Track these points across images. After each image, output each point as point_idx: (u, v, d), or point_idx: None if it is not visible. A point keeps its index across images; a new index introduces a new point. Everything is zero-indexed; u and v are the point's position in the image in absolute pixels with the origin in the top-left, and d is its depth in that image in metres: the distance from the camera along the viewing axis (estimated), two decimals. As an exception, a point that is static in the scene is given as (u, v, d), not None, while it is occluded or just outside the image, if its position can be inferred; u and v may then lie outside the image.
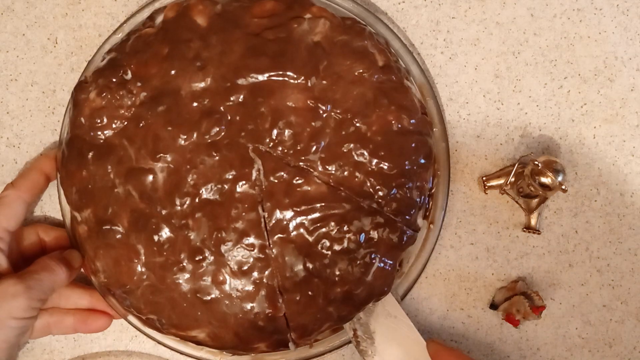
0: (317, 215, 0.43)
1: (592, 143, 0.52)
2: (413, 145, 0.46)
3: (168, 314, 0.45)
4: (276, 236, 0.43)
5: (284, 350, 0.46)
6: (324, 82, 0.45)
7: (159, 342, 0.49)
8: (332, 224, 0.43)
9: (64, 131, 0.49)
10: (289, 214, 0.43)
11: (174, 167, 0.45)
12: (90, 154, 0.46)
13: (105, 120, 0.45)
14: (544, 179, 0.46)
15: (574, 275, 0.51)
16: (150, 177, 0.45)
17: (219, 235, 0.44)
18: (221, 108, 0.45)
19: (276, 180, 0.43)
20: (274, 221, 0.43)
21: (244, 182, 0.44)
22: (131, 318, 0.48)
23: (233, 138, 0.44)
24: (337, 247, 0.43)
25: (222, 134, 0.44)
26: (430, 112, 0.49)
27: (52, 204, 0.53)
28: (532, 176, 0.47)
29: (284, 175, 0.43)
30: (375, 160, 0.45)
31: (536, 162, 0.46)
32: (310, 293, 0.44)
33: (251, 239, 0.44)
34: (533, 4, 0.52)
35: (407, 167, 0.45)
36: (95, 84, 0.46)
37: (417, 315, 0.52)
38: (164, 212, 0.44)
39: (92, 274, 0.48)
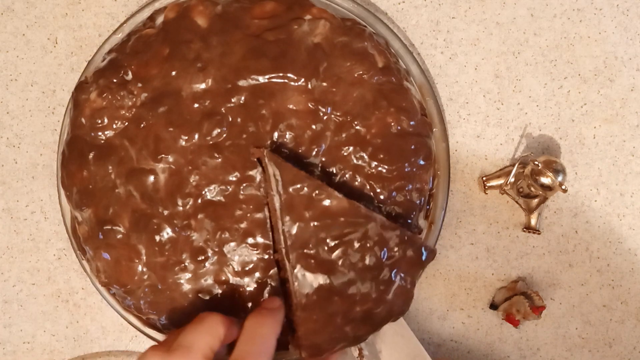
0: (338, 230, 0.41)
1: (592, 143, 0.52)
2: (412, 147, 0.46)
3: (169, 313, 0.45)
4: (296, 251, 0.41)
5: (284, 351, 0.46)
6: (324, 84, 0.45)
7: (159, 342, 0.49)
8: (354, 240, 0.41)
9: (64, 131, 0.49)
10: (309, 228, 0.41)
11: (176, 168, 0.45)
12: (91, 154, 0.46)
13: (106, 120, 0.45)
14: (544, 179, 0.46)
15: (574, 275, 0.52)
16: (152, 178, 0.45)
17: (223, 235, 0.44)
18: (222, 109, 0.45)
19: (296, 193, 0.41)
20: (294, 235, 0.41)
21: (247, 183, 0.44)
22: (131, 318, 0.48)
23: (234, 140, 0.44)
24: (359, 264, 0.41)
25: (224, 135, 0.44)
26: (430, 113, 0.49)
27: (52, 204, 0.53)
28: (532, 176, 0.47)
29: (305, 188, 0.41)
30: (374, 163, 0.45)
31: (536, 162, 0.46)
32: (329, 311, 0.41)
33: (255, 239, 0.44)
34: (533, 4, 0.52)
35: (406, 170, 0.45)
36: (96, 84, 0.46)
37: (417, 316, 0.52)
38: (165, 212, 0.44)
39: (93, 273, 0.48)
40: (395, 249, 0.41)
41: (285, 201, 0.41)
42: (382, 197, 0.45)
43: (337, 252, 0.41)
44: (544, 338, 0.52)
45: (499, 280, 0.52)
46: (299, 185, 0.40)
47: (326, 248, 0.40)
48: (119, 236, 0.45)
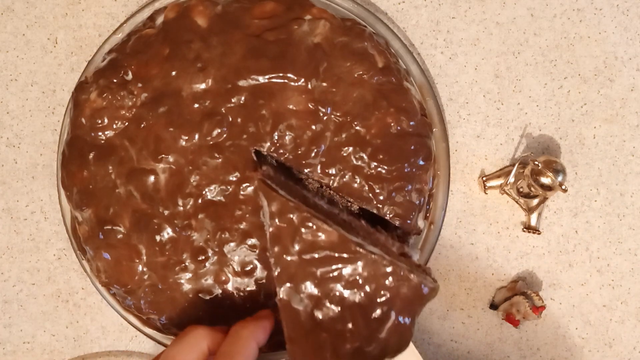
0: (327, 265, 0.39)
1: (592, 143, 0.52)
2: (412, 147, 0.46)
3: (169, 313, 0.45)
4: (284, 285, 0.39)
5: (284, 351, 0.46)
6: (324, 84, 0.45)
7: (159, 342, 0.49)
8: (343, 275, 0.39)
9: (64, 131, 0.49)
10: (296, 261, 0.39)
11: (176, 168, 0.45)
12: (91, 154, 0.46)
13: (106, 120, 0.46)
14: (544, 179, 0.46)
15: (574, 275, 0.52)
16: (152, 178, 0.45)
17: (223, 235, 0.44)
18: (222, 110, 0.45)
19: (283, 224, 0.39)
20: (279, 268, 0.39)
21: (248, 184, 0.44)
22: (131, 318, 0.49)
23: (235, 140, 0.44)
24: (348, 301, 0.39)
25: (224, 135, 0.44)
26: (430, 113, 0.49)
27: (52, 204, 0.53)
28: (532, 176, 0.47)
29: (294, 220, 0.39)
30: (374, 164, 0.45)
31: (536, 162, 0.46)
32: (317, 346, 0.40)
33: (254, 240, 0.44)
34: (533, 4, 0.52)
35: (406, 170, 0.45)
36: (96, 84, 0.46)
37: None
38: (166, 212, 0.44)
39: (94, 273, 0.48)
40: (389, 286, 0.39)
41: (273, 233, 0.39)
42: (381, 197, 0.45)
43: (324, 287, 0.39)
44: (544, 338, 0.52)
45: (499, 280, 0.52)
46: (287, 217, 0.39)
47: (314, 283, 0.39)
48: (120, 236, 0.45)
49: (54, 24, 0.53)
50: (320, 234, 0.38)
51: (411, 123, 0.46)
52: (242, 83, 0.45)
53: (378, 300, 0.39)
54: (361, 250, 0.38)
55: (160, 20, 0.47)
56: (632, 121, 0.52)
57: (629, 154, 0.52)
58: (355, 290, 0.39)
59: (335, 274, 0.39)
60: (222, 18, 0.46)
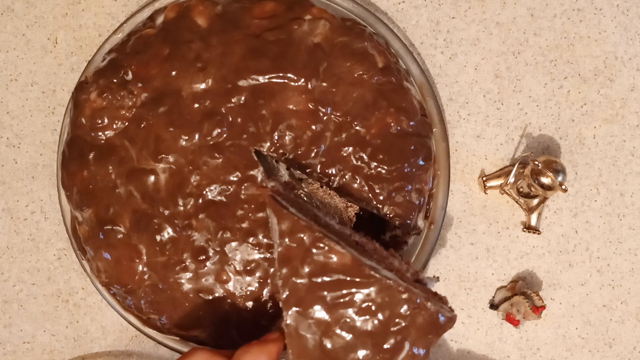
0: (338, 289, 0.36)
1: (592, 143, 0.52)
2: (412, 147, 0.46)
3: (169, 313, 0.45)
4: (292, 309, 0.37)
5: (284, 351, 0.46)
6: (324, 84, 0.45)
7: (159, 342, 0.49)
8: (355, 301, 0.36)
9: (64, 131, 0.49)
10: (306, 284, 0.36)
11: (176, 168, 0.45)
12: (91, 154, 0.46)
13: (106, 120, 0.45)
14: (544, 179, 0.47)
15: (574, 275, 0.52)
16: (152, 178, 0.45)
17: (224, 235, 0.44)
18: (222, 110, 0.45)
19: (294, 244, 0.37)
20: (288, 291, 0.37)
21: (249, 183, 0.44)
22: (131, 318, 0.49)
23: (235, 140, 0.44)
24: (359, 329, 0.36)
25: (224, 135, 0.44)
26: (430, 112, 0.49)
27: (52, 204, 0.53)
28: (532, 176, 0.47)
29: (304, 240, 0.36)
30: (373, 164, 0.45)
31: (536, 162, 0.46)
32: None
33: (257, 239, 0.44)
34: (533, 4, 0.52)
35: (406, 170, 0.45)
36: (96, 84, 0.46)
37: (417, 315, 0.52)
38: (166, 212, 0.44)
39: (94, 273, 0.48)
40: (403, 314, 0.36)
41: (282, 253, 0.37)
42: (381, 197, 0.45)
43: (335, 313, 0.36)
44: (544, 338, 0.52)
45: (499, 280, 0.52)
46: (297, 237, 0.37)
47: (324, 308, 0.36)
48: (120, 236, 0.45)
49: (54, 24, 0.53)
50: (332, 255, 0.36)
51: (411, 123, 0.46)
52: (242, 83, 0.45)
53: (392, 329, 0.36)
54: (375, 274, 0.36)
55: (160, 20, 0.47)
56: (632, 121, 0.52)
57: (629, 153, 0.52)
58: (368, 317, 0.36)
59: (347, 299, 0.36)
60: (222, 18, 0.46)
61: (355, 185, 0.45)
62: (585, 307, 0.52)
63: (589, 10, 0.52)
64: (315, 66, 0.45)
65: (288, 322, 0.37)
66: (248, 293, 0.44)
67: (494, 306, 0.51)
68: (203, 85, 0.45)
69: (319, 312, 0.36)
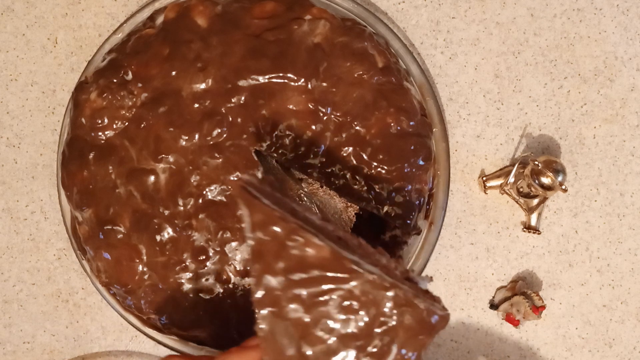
0: (316, 286, 0.32)
1: (592, 143, 0.52)
2: (412, 147, 0.46)
3: (169, 313, 0.45)
4: (266, 309, 0.33)
5: None
6: (324, 84, 0.45)
7: (159, 342, 0.49)
8: (336, 299, 0.32)
9: (64, 131, 0.49)
10: (281, 282, 0.32)
11: (176, 168, 0.45)
12: (91, 154, 0.46)
13: (106, 120, 0.46)
14: (544, 179, 0.47)
15: (574, 275, 0.52)
16: (152, 178, 0.45)
17: (224, 234, 0.44)
18: (222, 110, 0.45)
19: (266, 238, 0.32)
20: (262, 290, 0.32)
21: None
22: (131, 318, 0.48)
23: (235, 140, 0.44)
24: (341, 330, 0.32)
25: (224, 135, 0.44)
26: (430, 112, 0.49)
27: (52, 204, 0.53)
28: (532, 176, 0.47)
29: (278, 232, 0.32)
30: (374, 164, 0.45)
31: (536, 162, 0.46)
32: None
33: None
34: (533, 4, 0.52)
35: (406, 170, 0.45)
36: (96, 84, 0.46)
37: (417, 315, 0.52)
38: (166, 212, 0.44)
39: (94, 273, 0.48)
40: (390, 313, 0.32)
41: (254, 248, 0.33)
42: (381, 197, 0.45)
43: (314, 314, 0.32)
44: (544, 338, 0.52)
45: (499, 280, 0.52)
46: (271, 229, 0.32)
47: (301, 307, 0.32)
48: (120, 236, 0.45)
49: (54, 24, 0.53)
50: (309, 249, 0.32)
51: (411, 123, 0.46)
52: (242, 83, 0.45)
53: (377, 330, 0.32)
54: (358, 269, 0.32)
55: (160, 20, 0.47)
56: (632, 121, 0.52)
57: (629, 153, 0.52)
58: (351, 317, 0.32)
59: (327, 297, 0.32)
60: (222, 18, 0.46)
61: (355, 186, 0.45)
62: (585, 307, 0.52)
63: (589, 10, 0.52)
64: (315, 66, 0.45)
65: (262, 325, 0.33)
66: (248, 293, 0.44)
67: (494, 306, 0.51)
68: (203, 85, 0.45)
69: (296, 313, 0.33)
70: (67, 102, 0.51)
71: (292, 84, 0.45)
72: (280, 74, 0.45)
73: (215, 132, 0.44)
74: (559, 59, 0.52)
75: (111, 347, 0.53)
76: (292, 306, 0.32)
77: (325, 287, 0.32)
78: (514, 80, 0.52)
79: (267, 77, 0.45)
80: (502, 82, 0.52)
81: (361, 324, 0.32)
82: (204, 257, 0.44)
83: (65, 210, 0.49)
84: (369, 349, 0.33)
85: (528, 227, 0.50)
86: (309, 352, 0.32)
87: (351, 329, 0.32)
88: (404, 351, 0.32)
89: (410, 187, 0.45)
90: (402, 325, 0.32)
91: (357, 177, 0.45)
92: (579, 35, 0.52)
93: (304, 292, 0.32)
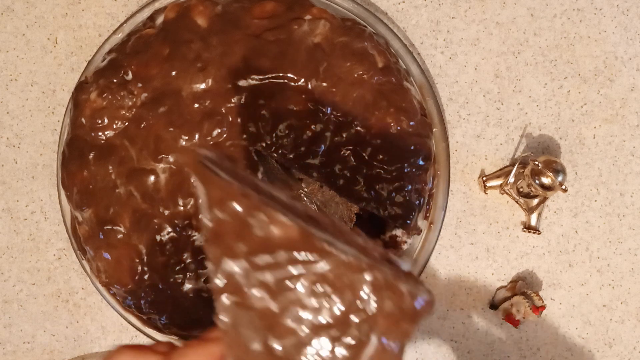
0: (283, 270, 0.28)
1: (592, 143, 0.52)
2: (412, 147, 0.46)
3: (170, 313, 0.45)
4: (227, 298, 0.29)
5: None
6: (324, 84, 0.45)
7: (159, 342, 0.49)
8: (305, 284, 0.28)
9: (64, 131, 0.49)
10: (243, 266, 0.28)
11: (176, 168, 0.45)
12: (91, 154, 0.46)
13: (106, 120, 0.46)
14: (544, 179, 0.46)
15: (574, 275, 0.52)
16: (152, 178, 0.45)
17: None
18: (222, 110, 0.45)
19: (226, 217, 0.28)
20: (221, 276, 0.28)
21: None
22: (131, 318, 0.48)
23: (235, 140, 0.44)
24: (313, 319, 0.28)
25: (224, 135, 0.44)
26: (430, 112, 0.49)
27: (52, 204, 0.53)
28: (532, 176, 0.47)
29: (238, 210, 0.28)
30: (374, 164, 0.45)
31: (536, 162, 0.46)
32: None
33: None
34: (533, 4, 0.52)
35: (406, 170, 0.45)
36: (96, 84, 0.46)
37: (417, 315, 0.52)
38: (166, 212, 0.44)
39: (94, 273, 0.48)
40: (368, 298, 0.28)
41: (211, 229, 0.29)
42: (381, 197, 0.45)
43: (281, 302, 0.28)
44: (544, 338, 0.52)
45: (499, 280, 0.52)
46: (230, 207, 0.28)
47: (266, 295, 0.28)
48: (120, 236, 0.45)
49: (53, 24, 0.53)
50: (274, 228, 0.28)
51: (411, 123, 0.46)
52: (242, 83, 0.45)
53: (354, 318, 0.28)
54: (330, 249, 0.28)
55: (160, 20, 0.47)
56: (632, 121, 0.52)
57: (629, 153, 0.52)
58: (323, 304, 0.28)
59: (296, 282, 0.28)
60: (222, 18, 0.46)
61: (355, 186, 0.45)
62: (585, 307, 0.52)
63: (589, 10, 0.52)
64: (315, 66, 0.45)
65: (223, 316, 0.28)
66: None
67: (494, 306, 0.51)
68: (203, 85, 0.45)
69: (261, 301, 0.28)
70: (67, 102, 0.51)
71: (292, 84, 0.45)
72: (280, 74, 0.45)
73: (215, 132, 0.44)
74: (559, 59, 0.52)
75: (111, 347, 0.53)
76: (257, 294, 0.28)
77: (294, 270, 0.28)
78: (514, 80, 0.52)
79: (267, 77, 0.45)
80: (502, 82, 0.52)
81: (336, 311, 0.28)
82: (204, 256, 0.44)
83: (65, 210, 0.49)
84: (345, 339, 0.28)
85: (528, 227, 0.50)
86: (277, 346, 0.28)
87: (324, 317, 0.28)
88: (385, 341, 0.28)
89: (410, 187, 0.45)
90: (382, 311, 0.28)
91: (357, 177, 0.45)
92: (579, 35, 0.52)
93: (269, 277, 0.28)
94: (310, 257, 0.28)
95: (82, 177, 0.46)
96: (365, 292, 0.28)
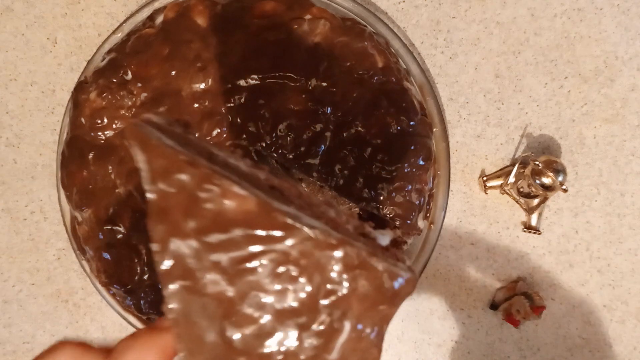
0: (241, 249, 0.24)
1: (593, 143, 0.51)
2: (412, 147, 0.46)
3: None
4: (175, 283, 0.24)
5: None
6: (324, 83, 0.45)
7: (159, 342, 0.49)
8: (267, 264, 0.24)
9: (63, 131, 0.49)
10: (193, 246, 0.24)
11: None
12: (91, 154, 0.46)
13: (105, 120, 0.45)
14: (544, 179, 0.46)
15: (575, 276, 0.51)
16: (151, 178, 0.44)
17: None
18: (222, 109, 0.45)
19: (172, 189, 0.24)
20: (168, 259, 0.24)
21: None
22: (131, 318, 0.48)
23: (234, 140, 0.44)
24: (276, 305, 0.24)
25: (224, 135, 0.44)
26: (430, 112, 0.49)
27: (52, 204, 0.53)
28: (532, 176, 0.47)
29: (187, 181, 0.24)
30: (374, 164, 0.45)
31: (536, 162, 0.46)
32: None
33: None
34: (533, 4, 0.52)
35: (406, 170, 0.45)
36: (96, 84, 0.46)
37: (417, 316, 0.52)
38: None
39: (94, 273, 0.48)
40: (339, 279, 0.24)
41: (155, 203, 0.25)
42: (381, 197, 0.45)
43: (239, 286, 0.24)
44: (544, 338, 0.52)
45: (499, 280, 0.52)
46: (176, 178, 0.24)
47: (221, 279, 0.24)
48: (120, 236, 0.45)
49: (53, 24, 0.53)
50: (228, 201, 0.24)
51: (411, 123, 0.46)
52: (241, 83, 0.45)
53: (323, 302, 0.24)
54: (294, 223, 0.23)
55: (159, 19, 0.47)
56: (633, 121, 0.51)
57: (629, 153, 0.51)
58: (288, 287, 0.24)
59: (255, 263, 0.24)
60: (222, 17, 0.46)
61: (355, 186, 0.45)
62: (585, 307, 0.51)
63: (589, 10, 0.52)
64: (315, 66, 0.45)
65: (172, 304, 0.24)
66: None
67: (494, 306, 0.51)
68: (203, 85, 0.45)
69: (216, 286, 0.24)
70: (66, 102, 0.51)
71: (292, 83, 0.45)
72: (280, 74, 0.45)
73: (215, 132, 0.44)
74: (559, 59, 0.52)
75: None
76: (211, 277, 0.24)
77: (252, 249, 0.24)
78: (514, 80, 0.52)
79: (267, 76, 0.45)
80: (502, 81, 0.52)
81: (302, 295, 0.24)
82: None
83: (64, 210, 0.49)
84: (315, 327, 0.24)
85: (528, 227, 0.50)
86: (236, 336, 0.24)
87: (289, 302, 0.24)
88: (360, 327, 0.25)
89: (410, 187, 0.45)
90: (356, 293, 0.24)
91: (357, 177, 0.45)
92: (579, 35, 0.52)
93: (224, 258, 0.24)
94: (271, 233, 0.24)
95: (82, 177, 0.46)
96: (336, 271, 0.24)
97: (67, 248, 0.53)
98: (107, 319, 0.53)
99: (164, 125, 0.27)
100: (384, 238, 0.27)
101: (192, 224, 0.24)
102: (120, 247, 0.45)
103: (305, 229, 0.24)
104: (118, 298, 0.47)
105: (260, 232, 0.24)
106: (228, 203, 0.24)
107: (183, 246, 0.24)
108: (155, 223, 0.25)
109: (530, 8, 0.52)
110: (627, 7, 0.52)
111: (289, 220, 0.23)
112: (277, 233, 0.24)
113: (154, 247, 0.24)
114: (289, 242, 0.24)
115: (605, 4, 0.51)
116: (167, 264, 0.24)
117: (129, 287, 0.45)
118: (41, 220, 0.53)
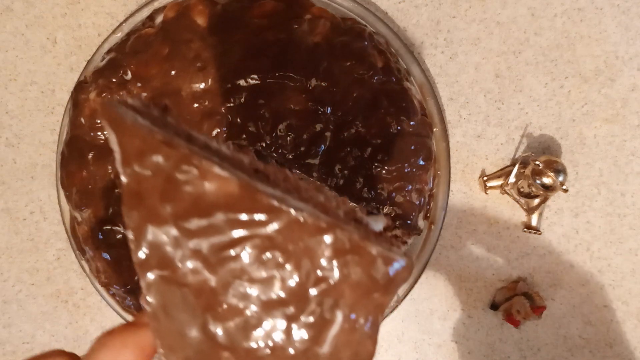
0: (222, 235, 0.22)
1: (593, 143, 0.51)
2: (412, 147, 0.46)
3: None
4: (153, 273, 0.23)
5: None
6: (324, 83, 0.45)
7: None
8: (251, 251, 0.22)
9: (63, 131, 0.49)
10: (171, 233, 0.22)
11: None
12: (91, 154, 0.46)
13: (105, 120, 0.45)
14: (544, 179, 0.46)
15: (575, 276, 0.51)
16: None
17: None
18: (222, 109, 0.44)
19: (147, 172, 0.22)
20: (145, 248, 0.23)
21: None
22: (131, 318, 0.48)
23: (234, 140, 0.44)
24: (261, 295, 0.22)
25: (224, 135, 0.44)
26: (430, 112, 0.49)
27: (52, 204, 0.53)
28: (532, 176, 0.47)
29: (163, 163, 0.22)
30: (374, 164, 0.45)
31: (537, 162, 0.46)
32: None
33: None
34: (534, 4, 0.51)
35: (406, 170, 0.45)
36: (95, 84, 0.46)
37: (418, 316, 0.52)
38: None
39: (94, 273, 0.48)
40: (329, 265, 0.22)
41: (129, 186, 0.23)
42: (381, 197, 0.45)
43: (220, 275, 0.22)
44: (544, 338, 0.52)
45: (500, 280, 0.52)
46: (152, 160, 0.22)
47: (201, 268, 0.22)
48: (119, 236, 0.45)
49: (53, 24, 0.53)
50: (208, 183, 0.22)
51: (411, 123, 0.46)
52: (241, 82, 0.45)
53: (313, 291, 0.22)
54: (280, 205, 0.21)
55: (159, 19, 0.47)
56: (633, 121, 0.51)
57: (629, 153, 0.51)
58: (274, 275, 0.22)
59: (239, 249, 0.22)
60: (222, 17, 0.46)
61: (355, 186, 0.45)
62: (585, 307, 0.51)
63: (589, 9, 0.52)
64: (315, 66, 0.45)
65: (150, 297, 0.23)
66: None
67: (494, 306, 0.51)
68: (202, 85, 0.45)
69: (196, 275, 0.22)
70: (66, 102, 0.51)
71: (292, 83, 0.45)
72: (280, 74, 0.44)
73: (214, 132, 0.44)
74: (559, 59, 0.52)
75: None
76: (190, 266, 0.22)
77: (235, 234, 0.22)
78: (514, 79, 0.52)
79: (266, 76, 0.45)
80: (502, 81, 0.52)
81: (290, 283, 0.22)
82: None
83: (64, 211, 0.49)
84: (304, 318, 0.22)
85: (529, 227, 0.50)
86: (219, 330, 0.22)
87: (276, 291, 0.22)
88: (353, 316, 0.23)
89: (410, 187, 0.45)
90: (348, 281, 0.22)
91: (357, 177, 0.45)
92: (579, 34, 0.52)
93: (205, 244, 0.22)
94: (255, 217, 0.22)
95: (82, 177, 0.46)
96: (325, 257, 0.22)
97: (66, 248, 0.53)
98: (106, 319, 0.53)
99: (140, 107, 0.25)
100: (377, 224, 0.26)
101: (170, 209, 0.22)
102: (120, 247, 0.45)
103: (292, 212, 0.21)
104: (118, 298, 0.47)
105: (244, 216, 0.22)
106: (208, 185, 0.22)
107: (160, 233, 0.22)
108: (130, 209, 0.23)
109: (530, 8, 0.52)
110: (627, 7, 0.51)
111: (275, 203, 0.21)
112: (262, 216, 0.22)
113: (129, 234, 0.23)
114: (275, 225, 0.22)
115: (605, 4, 0.51)
116: (143, 253, 0.23)
117: (129, 287, 0.45)
118: (41, 220, 0.53)
